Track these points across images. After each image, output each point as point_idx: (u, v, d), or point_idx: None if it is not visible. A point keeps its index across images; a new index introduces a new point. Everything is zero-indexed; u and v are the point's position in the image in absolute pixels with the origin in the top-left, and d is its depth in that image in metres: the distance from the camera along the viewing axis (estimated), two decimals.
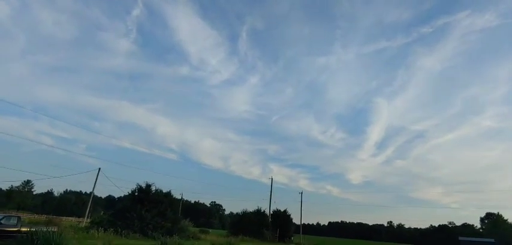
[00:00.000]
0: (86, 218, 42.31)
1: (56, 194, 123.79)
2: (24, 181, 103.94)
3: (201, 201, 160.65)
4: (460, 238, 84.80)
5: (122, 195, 34.63)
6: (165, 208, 31.05)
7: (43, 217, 41.52)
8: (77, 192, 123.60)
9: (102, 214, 36.07)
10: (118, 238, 25.17)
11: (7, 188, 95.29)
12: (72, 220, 50.30)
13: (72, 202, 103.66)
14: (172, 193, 35.80)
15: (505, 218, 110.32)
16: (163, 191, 33.81)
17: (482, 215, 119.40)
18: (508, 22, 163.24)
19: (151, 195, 31.20)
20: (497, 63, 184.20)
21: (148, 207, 29.68)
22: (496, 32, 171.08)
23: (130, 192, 31.80)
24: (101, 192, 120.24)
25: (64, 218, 62.90)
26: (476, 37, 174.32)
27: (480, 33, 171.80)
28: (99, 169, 48.27)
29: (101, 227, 26.53)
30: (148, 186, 31.81)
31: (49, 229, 16.16)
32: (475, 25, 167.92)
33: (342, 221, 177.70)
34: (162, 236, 27.87)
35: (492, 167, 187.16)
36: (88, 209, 43.20)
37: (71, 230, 24.60)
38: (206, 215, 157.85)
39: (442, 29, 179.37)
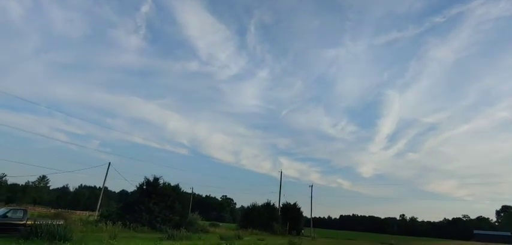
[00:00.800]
0: (97, 211, 42.81)
1: (71, 189, 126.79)
2: (40, 176, 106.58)
3: (212, 195, 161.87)
4: (475, 232, 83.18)
5: (135, 189, 34.72)
6: (172, 201, 31.05)
7: (52, 211, 42.03)
8: (91, 187, 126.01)
9: (116, 207, 36.31)
10: (126, 231, 25.27)
11: (23, 183, 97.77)
12: (86, 214, 50.99)
13: (86, 197, 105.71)
14: (184, 187, 35.90)
15: None
16: (172, 185, 33.83)
17: (498, 208, 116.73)
18: None
19: (159, 188, 31.21)
20: None
21: (156, 200, 29.73)
22: (511, 21, 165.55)
23: (138, 185, 31.90)
24: (115, 186, 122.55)
25: (78, 212, 64.21)
26: (491, 26, 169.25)
27: (495, 22, 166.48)
28: (109, 163, 48.79)
29: (110, 220, 26.66)
30: (156, 179, 31.83)
31: (53, 222, 16.20)
32: (489, 14, 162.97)
33: (353, 214, 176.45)
34: (170, 229, 27.92)
35: (508, 159, 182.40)
36: (99, 203, 43.75)
37: (80, 223, 24.83)
38: (217, 209, 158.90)
39: (455, 19, 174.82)
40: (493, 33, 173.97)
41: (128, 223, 27.12)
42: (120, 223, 26.56)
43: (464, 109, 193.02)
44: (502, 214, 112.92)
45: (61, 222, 19.66)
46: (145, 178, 31.83)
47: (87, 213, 54.12)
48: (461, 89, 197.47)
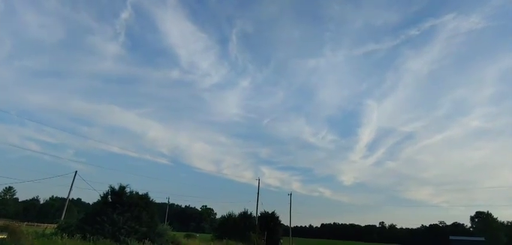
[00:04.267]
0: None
1: (41, 201, 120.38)
2: (6, 188, 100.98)
3: (192, 205, 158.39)
4: (451, 237, 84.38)
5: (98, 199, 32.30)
6: (139, 211, 29.05)
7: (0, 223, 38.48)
8: (64, 198, 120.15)
9: (76, 219, 33.87)
10: (85, 244, 23.28)
11: None
12: (44, 226, 47.57)
13: (55, 208, 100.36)
14: (162, 197, 33.90)
15: (495, 216, 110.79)
16: (140, 193, 31.81)
17: (472, 214, 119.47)
18: (493, 24, 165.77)
19: (125, 198, 29.14)
20: (483, 65, 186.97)
21: (121, 210, 27.69)
22: (482, 34, 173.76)
23: (102, 195, 29.73)
24: (89, 198, 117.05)
25: (44, 224, 60.06)
26: (463, 39, 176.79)
27: (466, 35, 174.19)
28: (76, 172, 46.26)
29: (68, 233, 24.57)
30: (122, 188, 29.71)
31: None
32: (461, 27, 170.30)
33: (334, 222, 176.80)
34: (134, 241, 26.08)
35: (481, 167, 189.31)
36: (63, 214, 41.16)
37: (32, 236, 22.58)
38: (197, 220, 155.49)
39: (429, 32, 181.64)
40: (465, 46, 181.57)
41: (88, 235, 25.07)
42: (79, 235, 24.56)
43: (439, 118, 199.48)
44: (476, 220, 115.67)
45: (3, 236, 17.70)
46: (111, 186, 29.70)
47: (45, 225, 50.70)
48: (435, 100, 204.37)
